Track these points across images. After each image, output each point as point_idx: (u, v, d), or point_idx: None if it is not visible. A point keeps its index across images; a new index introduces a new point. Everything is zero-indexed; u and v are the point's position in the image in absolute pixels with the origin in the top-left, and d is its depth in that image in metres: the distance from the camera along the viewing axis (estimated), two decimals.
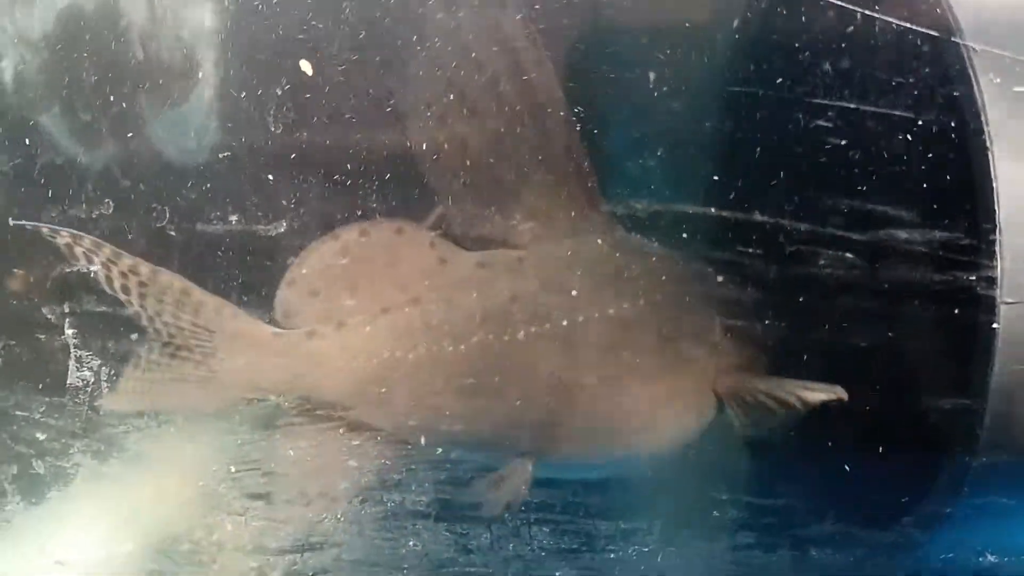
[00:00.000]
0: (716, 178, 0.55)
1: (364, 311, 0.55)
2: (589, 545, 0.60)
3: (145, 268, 0.54)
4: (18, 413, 0.61)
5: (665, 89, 0.54)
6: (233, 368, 0.55)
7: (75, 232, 0.55)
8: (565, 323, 0.55)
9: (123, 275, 0.54)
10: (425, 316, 0.55)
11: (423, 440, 0.57)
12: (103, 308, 0.58)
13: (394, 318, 0.55)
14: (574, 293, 0.56)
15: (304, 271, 0.55)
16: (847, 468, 0.57)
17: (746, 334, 0.59)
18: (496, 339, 0.55)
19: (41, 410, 0.60)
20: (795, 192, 0.54)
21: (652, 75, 0.54)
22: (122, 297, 0.55)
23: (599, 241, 0.56)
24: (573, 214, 0.56)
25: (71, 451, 0.61)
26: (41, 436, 0.61)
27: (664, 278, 0.58)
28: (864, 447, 0.57)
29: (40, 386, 0.60)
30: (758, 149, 0.54)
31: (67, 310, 0.59)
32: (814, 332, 0.56)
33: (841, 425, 0.57)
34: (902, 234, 0.53)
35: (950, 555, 0.58)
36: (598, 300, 0.56)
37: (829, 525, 0.59)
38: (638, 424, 0.58)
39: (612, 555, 0.60)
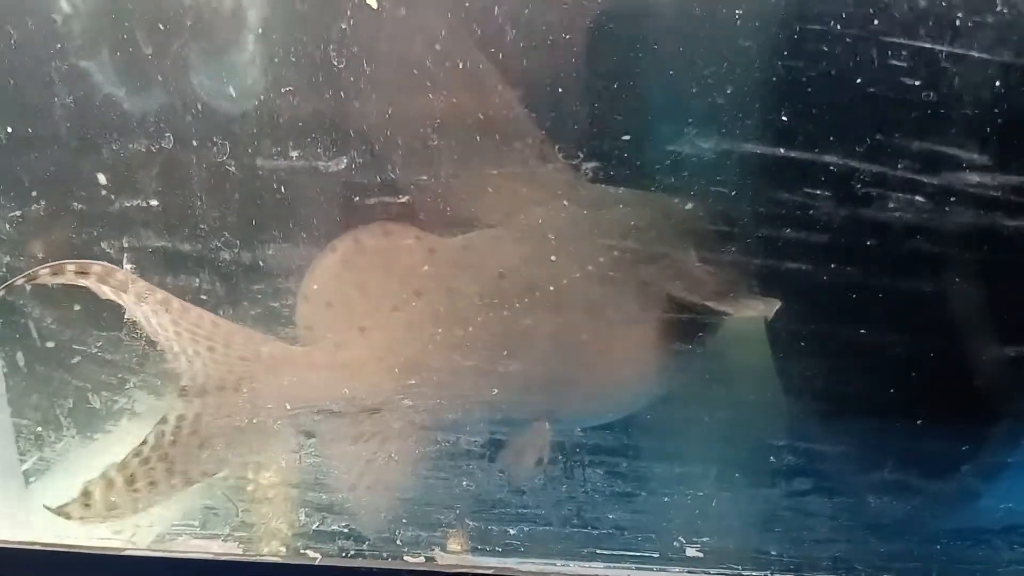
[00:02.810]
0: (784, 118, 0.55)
1: (377, 313, 0.57)
2: (642, 488, 0.60)
3: (176, 303, 0.55)
4: (75, 347, 0.62)
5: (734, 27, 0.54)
6: (275, 391, 0.56)
7: (106, 265, 0.53)
8: (552, 288, 0.57)
9: (154, 312, 0.54)
10: (432, 306, 0.57)
11: (452, 420, 0.58)
12: (161, 243, 0.59)
13: (406, 314, 0.57)
14: (553, 259, 0.57)
15: (315, 286, 0.57)
16: (907, 417, 0.57)
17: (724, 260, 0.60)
18: (497, 315, 0.57)
19: (98, 345, 0.61)
20: (865, 133, 0.53)
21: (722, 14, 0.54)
22: (155, 330, 0.54)
23: (565, 203, 0.58)
24: (535, 183, 0.57)
25: (127, 386, 0.61)
26: (98, 371, 0.61)
27: (633, 223, 0.59)
28: (924, 395, 0.57)
29: (97, 321, 0.61)
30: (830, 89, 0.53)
31: (125, 244, 0.59)
32: (875, 277, 0.56)
33: (902, 373, 0.57)
34: (972, 177, 0.52)
35: (1009, 504, 0.58)
36: (577, 259, 0.57)
37: (888, 474, 0.58)
38: (634, 368, 0.60)
39: (665, 499, 0.60)
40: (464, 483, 0.60)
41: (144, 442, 0.55)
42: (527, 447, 0.59)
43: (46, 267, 0.53)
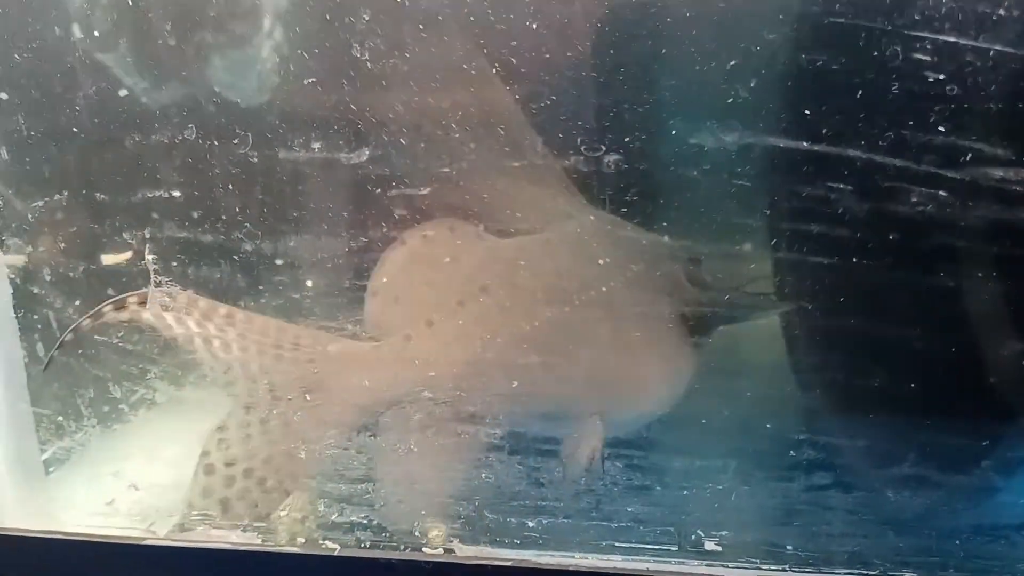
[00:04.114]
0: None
1: (444, 307, 0.58)
2: (660, 481, 0.60)
3: (241, 315, 0.56)
4: (96, 337, 0.62)
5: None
6: (344, 388, 0.57)
7: (169, 292, 0.55)
8: (604, 289, 0.59)
9: (220, 328, 0.55)
10: (498, 301, 0.58)
11: (517, 415, 0.59)
12: (183, 234, 0.59)
13: (472, 308, 0.58)
14: (601, 263, 0.59)
15: (384, 279, 0.58)
16: (926, 412, 0.57)
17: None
18: (559, 311, 0.58)
19: (119, 335, 0.61)
20: (888, 127, 0.53)
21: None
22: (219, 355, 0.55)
23: (591, 217, 0.59)
24: (562, 203, 0.59)
25: (148, 376, 0.62)
26: (118, 360, 0.62)
27: (642, 242, 0.61)
28: (943, 390, 0.57)
29: None
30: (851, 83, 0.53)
31: (147, 235, 0.59)
32: (896, 270, 0.56)
33: (921, 368, 0.57)
34: (996, 172, 0.52)
35: None
36: (613, 268, 0.59)
37: (907, 469, 0.59)
38: (671, 369, 0.62)
39: (684, 492, 0.60)
40: (483, 475, 0.60)
41: (207, 452, 0.56)
42: (582, 441, 0.59)
43: (109, 304, 0.54)
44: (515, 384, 0.58)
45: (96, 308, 0.54)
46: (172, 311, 0.54)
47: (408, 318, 0.57)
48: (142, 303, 0.54)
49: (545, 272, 0.59)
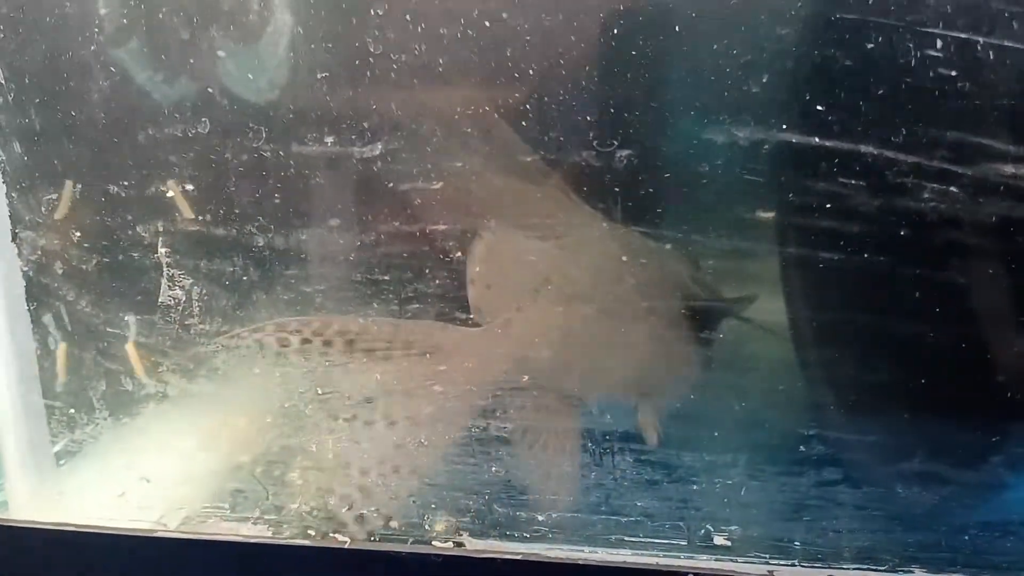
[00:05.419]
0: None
1: (525, 294, 0.61)
2: (670, 476, 0.60)
3: (354, 325, 0.59)
4: (109, 330, 0.62)
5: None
6: (463, 375, 0.60)
7: (279, 322, 0.59)
8: (633, 282, 0.60)
9: (327, 343, 0.59)
10: (564, 291, 0.61)
11: (586, 396, 0.62)
12: (196, 228, 0.60)
13: (545, 297, 0.61)
14: (624, 259, 0.60)
15: (477, 268, 0.60)
16: (936, 407, 0.57)
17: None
18: (609, 302, 0.61)
19: (132, 328, 0.61)
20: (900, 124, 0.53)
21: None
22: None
23: (604, 225, 0.60)
24: (574, 211, 0.60)
25: (159, 369, 0.62)
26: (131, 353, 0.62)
27: (651, 246, 0.61)
28: (954, 385, 0.57)
29: (131, 304, 0.61)
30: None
31: (160, 228, 0.60)
32: (905, 266, 0.56)
33: (931, 363, 0.57)
34: (1007, 168, 0.52)
35: None
36: (634, 269, 0.60)
37: (916, 464, 0.59)
38: (687, 360, 0.63)
39: (693, 487, 0.60)
40: (493, 469, 0.60)
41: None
42: (646, 426, 0.62)
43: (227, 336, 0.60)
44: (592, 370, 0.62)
45: (235, 333, 0.59)
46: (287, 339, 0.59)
47: (502, 303, 0.61)
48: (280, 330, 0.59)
49: (585, 269, 0.61)
